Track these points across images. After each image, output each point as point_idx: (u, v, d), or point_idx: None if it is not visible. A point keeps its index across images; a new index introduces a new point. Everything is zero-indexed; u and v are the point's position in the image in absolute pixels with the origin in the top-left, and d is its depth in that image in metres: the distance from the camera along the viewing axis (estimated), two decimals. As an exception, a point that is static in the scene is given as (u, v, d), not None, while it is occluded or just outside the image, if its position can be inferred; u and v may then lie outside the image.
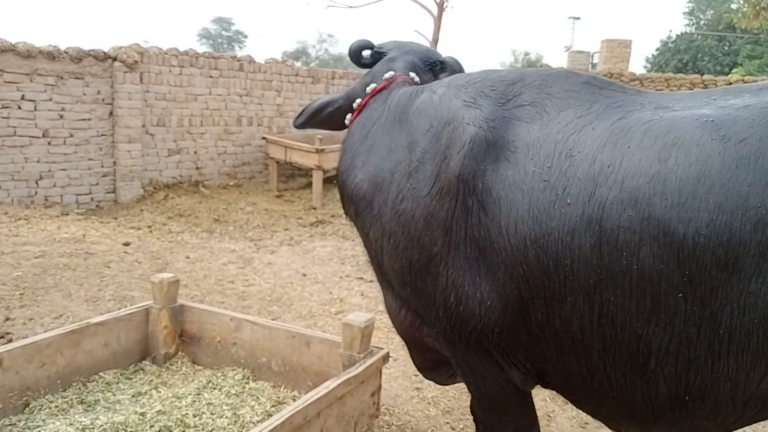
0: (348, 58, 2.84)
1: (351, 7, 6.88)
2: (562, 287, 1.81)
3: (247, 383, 3.54)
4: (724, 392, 1.72)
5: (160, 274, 3.83)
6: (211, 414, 3.15)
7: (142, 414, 3.10)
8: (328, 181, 10.07)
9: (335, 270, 6.37)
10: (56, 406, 3.12)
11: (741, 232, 1.58)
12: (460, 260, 1.99)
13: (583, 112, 1.92)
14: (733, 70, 32.93)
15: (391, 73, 2.61)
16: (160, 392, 3.37)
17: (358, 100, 2.62)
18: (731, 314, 1.63)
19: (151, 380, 3.54)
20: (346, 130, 2.85)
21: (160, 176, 9.64)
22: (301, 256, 6.87)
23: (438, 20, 12.27)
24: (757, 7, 33.58)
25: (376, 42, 2.82)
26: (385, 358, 3.24)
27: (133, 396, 3.31)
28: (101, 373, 3.50)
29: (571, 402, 2.15)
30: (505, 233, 1.88)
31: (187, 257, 6.56)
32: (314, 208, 9.34)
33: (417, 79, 2.65)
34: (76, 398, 3.22)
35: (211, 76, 10.03)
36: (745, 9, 34.80)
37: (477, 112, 2.05)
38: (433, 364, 2.56)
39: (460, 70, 2.78)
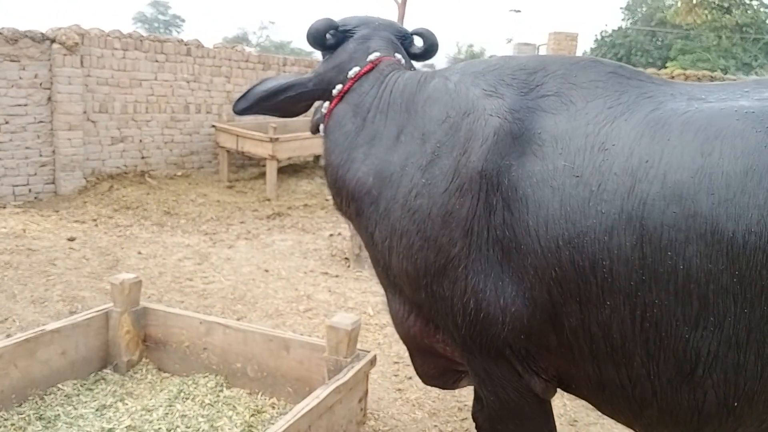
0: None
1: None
2: (600, 290, 1.68)
3: (221, 391, 3.31)
4: None
5: (120, 275, 3.54)
6: (187, 427, 2.92)
7: (110, 430, 2.84)
8: (281, 171, 9.78)
9: (298, 265, 6.14)
10: (12, 424, 2.82)
11: None
12: (481, 263, 1.84)
13: (612, 103, 1.79)
14: (667, 64, 34.14)
15: (377, 54, 2.36)
16: (126, 404, 3.10)
17: (339, 87, 2.34)
18: None
19: (115, 391, 3.26)
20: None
21: (103, 166, 9.11)
22: (260, 250, 6.60)
23: (402, 6, 12.08)
24: (690, 4, 34.92)
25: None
26: (373, 361, 3.06)
27: (97, 409, 3.03)
28: (59, 385, 3.20)
29: (602, 411, 2.03)
30: (534, 234, 1.74)
31: (139, 253, 6.19)
32: (268, 200, 9.03)
33: (403, 60, 2.46)
34: (33, 414, 2.92)
35: (157, 61, 9.53)
36: (679, 5, 36.16)
37: (499, 102, 1.89)
38: (438, 372, 2.40)
39: (436, 42, 2.56)
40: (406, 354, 4.16)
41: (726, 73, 21.63)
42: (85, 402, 3.10)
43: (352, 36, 2.42)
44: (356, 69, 2.33)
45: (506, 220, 1.79)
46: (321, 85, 2.39)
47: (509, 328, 1.83)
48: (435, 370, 2.39)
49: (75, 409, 3.02)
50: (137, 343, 3.55)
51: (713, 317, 1.58)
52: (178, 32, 52.59)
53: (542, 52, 22.76)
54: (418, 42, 2.55)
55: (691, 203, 1.56)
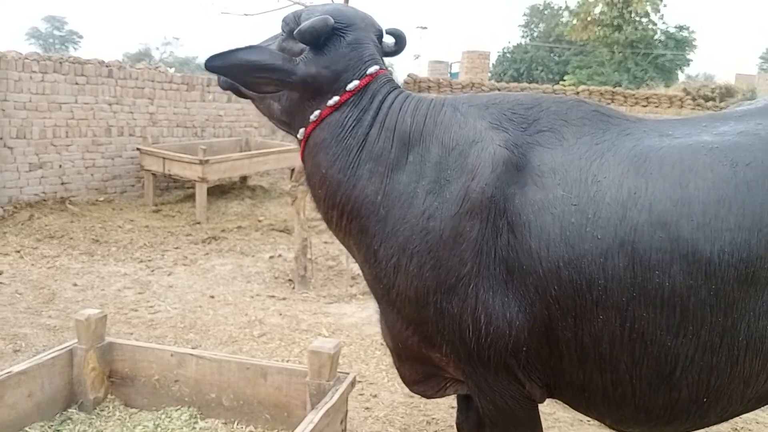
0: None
1: (246, 15, 6.62)
2: (595, 306, 1.90)
3: (196, 422, 3.30)
4: (737, 392, 1.93)
5: (85, 310, 3.46)
6: (171, 462, 2.91)
7: (93, 471, 2.79)
8: (208, 193, 9.64)
9: (243, 289, 6.12)
10: (-13, 474, 2.72)
11: (758, 248, 1.79)
12: (490, 281, 2.01)
13: (599, 140, 2.03)
14: (565, 78, 36.10)
15: (375, 67, 2.32)
16: (102, 443, 3.04)
17: (336, 98, 2.27)
18: (749, 322, 1.83)
19: (85, 430, 3.19)
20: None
21: (21, 194, 8.68)
22: (201, 276, 6.52)
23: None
24: (585, 21, 37.13)
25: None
26: (353, 383, 3.17)
27: (72, 451, 2.97)
28: (27, 429, 3.09)
29: (577, 409, 2.25)
30: (536, 255, 1.93)
31: (75, 285, 5.98)
32: (199, 223, 8.88)
33: (392, 72, 2.46)
34: (7, 462, 2.82)
35: (77, 83, 9.20)
36: (574, 22, 38.39)
37: (505, 136, 2.08)
38: (423, 378, 2.50)
39: (406, 44, 2.59)
40: (368, 372, 4.31)
41: (618, 87, 23.21)
42: (58, 444, 3.02)
43: (342, 36, 2.30)
44: (356, 83, 2.27)
45: (511, 242, 1.97)
46: (310, 86, 2.29)
47: (514, 340, 2.01)
48: (421, 376, 2.47)
49: (49, 452, 2.94)
50: (102, 380, 3.47)
51: (692, 326, 1.85)
52: (75, 49, 50.46)
53: (455, 69, 23.63)
54: (389, 40, 2.54)
55: (675, 228, 1.83)
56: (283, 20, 2.45)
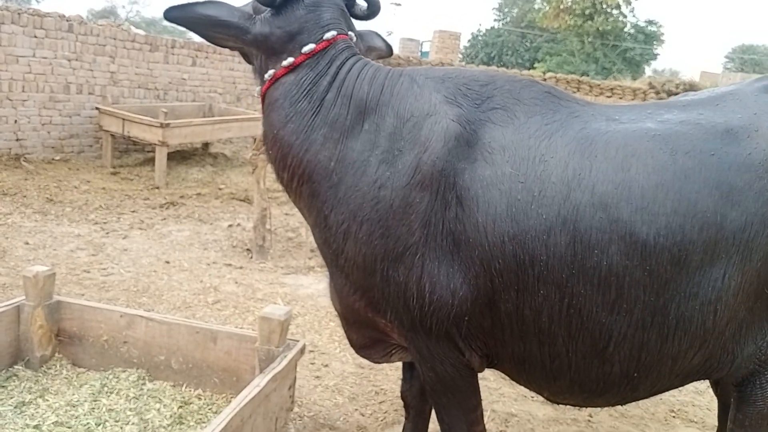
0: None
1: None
2: (536, 281, 1.98)
3: (144, 384, 3.31)
4: (665, 368, 2.05)
5: (33, 267, 3.41)
6: (116, 421, 2.92)
7: (36, 427, 2.80)
8: (169, 158, 9.49)
9: (199, 256, 6.08)
10: (-74, 427, 2.69)
11: (691, 233, 1.88)
12: (436, 252, 2.06)
13: (548, 120, 2.09)
14: (536, 64, 36.39)
15: (333, 33, 2.31)
16: (47, 401, 3.03)
17: (290, 59, 2.28)
18: (679, 303, 1.93)
19: (30, 387, 3.17)
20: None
21: (-27, 148, 8.42)
22: (157, 241, 6.45)
23: None
24: (557, 9, 37.37)
25: None
26: (302, 350, 3.21)
27: (15, 407, 2.95)
28: (-31, 383, 3.06)
29: (517, 381, 2.34)
30: (482, 229, 1.99)
31: (27, 243, 5.85)
32: (158, 188, 8.74)
33: (355, 38, 2.45)
34: (-53, 415, 2.79)
35: (35, 36, 8.89)
36: (547, 9, 38.60)
37: (459, 111, 2.11)
38: (370, 342, 2.55)
39: (380, 7, 2.52)
40: (321, 342, 4.36)
41: (586, 76, 23.56)
42: (2, 399, 3.00)
43: None
44: (311, 46, 2.28)
45: (458, 215, 2.03)
46: (263, 45, 2.33)
47: (456, 310, 2.08)
48: (369, 341, 2.52)
49: (-8, 407, 2.92)
50: (50, 338, 3.45)
51: (626, 304, 1.94)
52: (37, 2, 48.62)
53: (426, 48, 23.57)
54: (362, 4, 2.51)
55: (615, 210, 1.91)
56: None
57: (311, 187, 2.28)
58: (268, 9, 2.30)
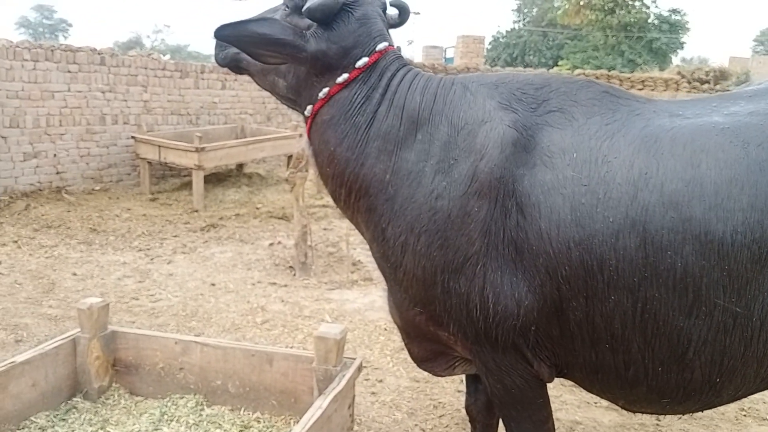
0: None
1: (238, 0, 6.54)
2: (606, 286, 1.88)
3: (203, 409, 3.29)
4: (750, 372, 1.92)
5: (87, 299, 3.43)
6: (179, 449, 2.90)
7: (101, 460, 2.78)
8: (205, 181, 9.57)
9: (244, 277, 6.09)
10: (-6, 464, 2.70)
11: None
12: (498, 261, 2.00)
13: (609, 120, 2.01)
14: (560, 62, 36.06)
15: (384, 44, 2.28)
16: (109, 431, 3.03)
17: (345, 75, 2.24)
18: (762, 303, 1.81)
19: (90, 419, 3.18)
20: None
21: (16, 184, 8.60)
22: (201, 264, 6.48)
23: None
24: (578, 6, 37.03)
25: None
26: (360, 368, 3.16)
27: (79, 440, 2.95)
28: (32, 418, 3.08)
29: (590, 390, 2.24)
30: (546, 236, 1.92)
31: (75, 274, 5.94)
32: (196, 211, 8.82)
33: (396, 46, 2.40)
34: (14, 451, 2.80)
35: (69, 71, 9.09)
36: (567, 7, 38.27)
37: (514, 116, 2.05)
38: (432, 355, 2.49)
39: (409, 16, 2.54)
40: (373, 357, 4.30)
41: (612, 70, 23.26)
42: (65, 433, 3.01)
43: (351, 12, 2.25)
44: (365, 60, 2.24)
45: (520, 223, 1.96)
46: (319, 62, 2.25)
47: (522, 320, 2.00)
48: (431, 354, 2.46)
49: (56, 441, 2.93)
50: (106, 369, 3.46)
51: (705, 306, 1.84)
52: (65, 37, 50.16)
53: (449, 54, 23.51)
54: (393, 12, 2.49)
55: (687, 209, 1.81)
56: None
57: (368, 201, 2.24)
58: (315, 24, 2.25)
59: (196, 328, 4.77)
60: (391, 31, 2.47)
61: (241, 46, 2.29)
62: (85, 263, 6.33)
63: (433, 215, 2.07)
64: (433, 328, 2.27)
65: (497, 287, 2.00)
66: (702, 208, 1.80)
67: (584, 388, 2.26)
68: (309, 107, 2.36)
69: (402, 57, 2.37)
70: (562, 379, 2.28)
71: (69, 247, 6.90)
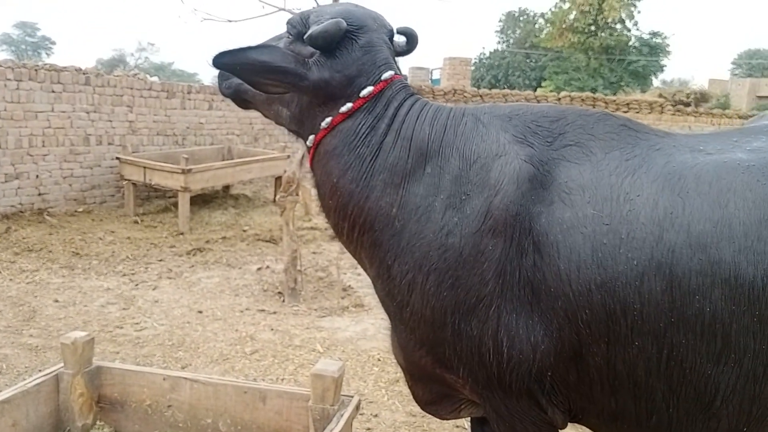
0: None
1: (230, 21, 6.48)
2: (630, 331, 1.79)
3: (192, 450, 3.14)
4: None
5: (71, 334, 3.28)
6: (168, 495, 2.74)
7: (85, 508, 2.62)
8: (191, 203, 9.41)
9: (231, 303, 5.94)
10: None
11: None
12: (513, 303, 1.89)
13: (629, 155, 1.93)
14: (543, 83, 36.46)
15: (390, 73, 2.17)
16: (93, 476, 2.87)
17: (349, 105, 2.14)
18: None
19: (74, 461, 3.02)
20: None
21: (-4, 205, 8.41)
22: (187, 290, 6.32)
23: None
24: (561, 28, 37.55)
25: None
26: (358, 406, 3.03)
27: (61, 485, 2.79)
28: (12, 461, 2.91)
29: None
30: (565, 277, 1.82)
31: (56, 301, 5.75)
32: (182, 234, 8.66)
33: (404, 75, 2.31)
34: (-8, 500, 2.63)
35: (53, 91, 8.94)
36: (550, 29, 38.80)
37: (530, 150, 1.97)
38: (438, 398, 2.38)
39: (418, 43, 2.44)
40: (367, 390, 4.17)
41: (595, 92, 23.51)
42: (46, 478, 2.84)
43: (355, 39, 2.16)
44: (370, 89, 2.14)
45: (537, 263, 1.86)
46: (322, 91, 2.15)
47: (538, 365, 1.90)
48: (435, 396, 2.36)
49: (37, 487, 2.76)
50: (91, 406, 3.30)
51: (734, 354, 1.74)
52: (48, 55, 49.80)
53: (436, 75, 23.60)
54: (400, 40, 2.39)
55: (715, 251, 1.72)
56: (288, 22, 2.31)
57: (372, 236, 2.13)
58: (318, 52, 2.15)
59: (183, 358, 4.62)
60: (398, 59, 2.40)
61: (241, 75, 2.19)
62: (67, 289, 6.15)
63: (444, 253, 1.97)
64: (439, 370, 2.16)
65: (512, 330, 1.90)
66: (731, 250, 1.72)
67: None
68: (311, 137, 2.26)
69: (409, 86, 2.27)
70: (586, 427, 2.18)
71: (51, 272, 6.70)
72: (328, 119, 2.19)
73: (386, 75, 2.18)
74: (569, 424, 2.15)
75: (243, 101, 2.48)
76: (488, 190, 1.94)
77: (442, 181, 2.03)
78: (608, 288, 1.79)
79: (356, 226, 2.18)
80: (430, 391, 2.35)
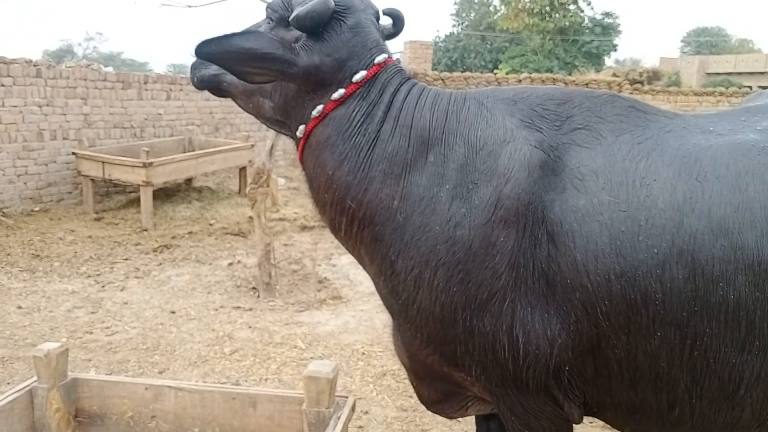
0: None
1: (189, 6, 6.21)
2: (651, 321, 1.74)
3: (179, 461, 3.00)
4: None
5: (44, 345, 3.08)
6: None
7: None
8: (153, 197, 9.10)
9: (205, 301, 5.76)
10: None
11: None
12: (528, 297, 1.82)
13: (640, 138, 1.87)
14: (499, 66, 36.63)
15: (384, 56, 2.05)
16: (77, 497, 2.71)
17: (341, 91, 2.02)
18: None
19: (53, 481, 2.84)
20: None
21: (-54, 207, 7.98)
22: (157, 289, 6.10)
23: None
24: (516, 10, 37.71)
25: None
26: (353, 407, 2.93)
27: None
28: (-14, 487, 2.73)
29: (621, 429, 2.11)
30: (582, 268, 1.75)
31: (19, 307, 5.47)
32: (146, 230, 8.37)
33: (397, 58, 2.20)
34: None
35: (3, 85, 8.49)
36: (505, 11, 38.93)
37: (539, 135, 1.88)
38: (443, 396, 2.30)
39: (404, 25, 2.33)
40: (354, 386, 4.08)
41: (551, 72, 23.71)
42: (26, 502, 2.67)
43: (342, 20, 2.03)
44: (363, 73, 2.02)
45: (551, 254, 1.79)
46: (312, 77, 2.02)
47: (556, 360, 1.84)
48: (441, 395, 2.28)
49: None
50: (68, 421, 3.11)
51: (758, 341, 1.70)
52: (-11, 47, 47.76)
53: (396, 58, 23.37)
54: (386, 21, 2.28)
55: (738, 236, 1.67)
56: (268, 7, 2.16)
57: (373, 230, 2.02)
58: (305, 36, 2.01)
59: (160, 363, 4.44)
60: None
61: (226, 64, 2.02)
62: (29, 294, 5.86)
63: (452, 246, 1.87)
64: (447, 369, 2.08)
65: (527, 325, 1.83)
66: (754, 234, 1.67)
67: (614, 427, 2.12)
68: (301, 127, 2.12)
69: (404, 70, 2.15)
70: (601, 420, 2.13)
71: (10, 276, 6.39)
72: (320, 107, 2.06)
73: (379, 58, 2.05)
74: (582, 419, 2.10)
75: (219, 91, 2.33)
76: (497, 179, 1.85)
77: (447, 170, 1.93)
78: (628, 277, 1.73)
79: (355, 220, 2.07)
80: (436, 390, 2.28)
